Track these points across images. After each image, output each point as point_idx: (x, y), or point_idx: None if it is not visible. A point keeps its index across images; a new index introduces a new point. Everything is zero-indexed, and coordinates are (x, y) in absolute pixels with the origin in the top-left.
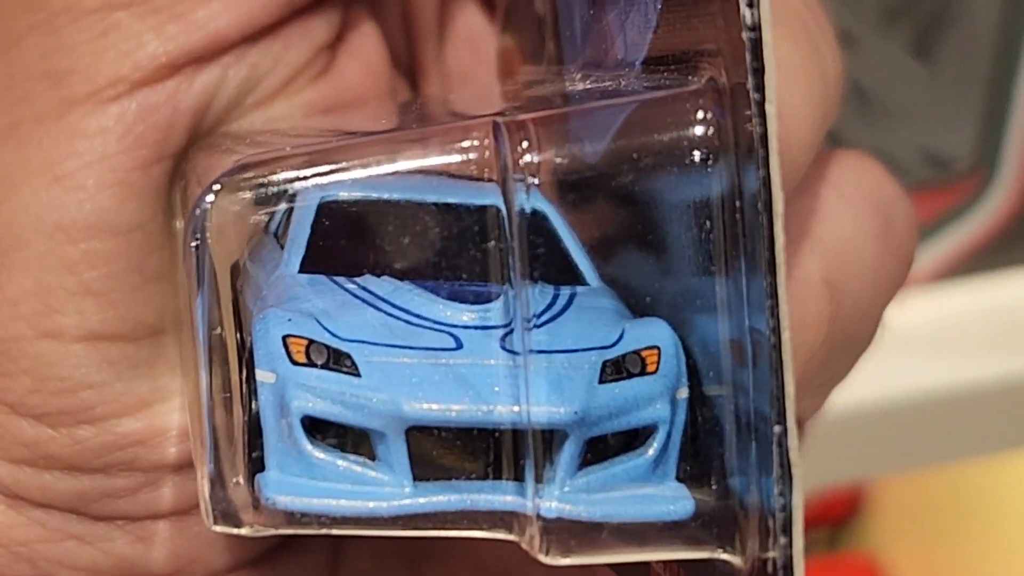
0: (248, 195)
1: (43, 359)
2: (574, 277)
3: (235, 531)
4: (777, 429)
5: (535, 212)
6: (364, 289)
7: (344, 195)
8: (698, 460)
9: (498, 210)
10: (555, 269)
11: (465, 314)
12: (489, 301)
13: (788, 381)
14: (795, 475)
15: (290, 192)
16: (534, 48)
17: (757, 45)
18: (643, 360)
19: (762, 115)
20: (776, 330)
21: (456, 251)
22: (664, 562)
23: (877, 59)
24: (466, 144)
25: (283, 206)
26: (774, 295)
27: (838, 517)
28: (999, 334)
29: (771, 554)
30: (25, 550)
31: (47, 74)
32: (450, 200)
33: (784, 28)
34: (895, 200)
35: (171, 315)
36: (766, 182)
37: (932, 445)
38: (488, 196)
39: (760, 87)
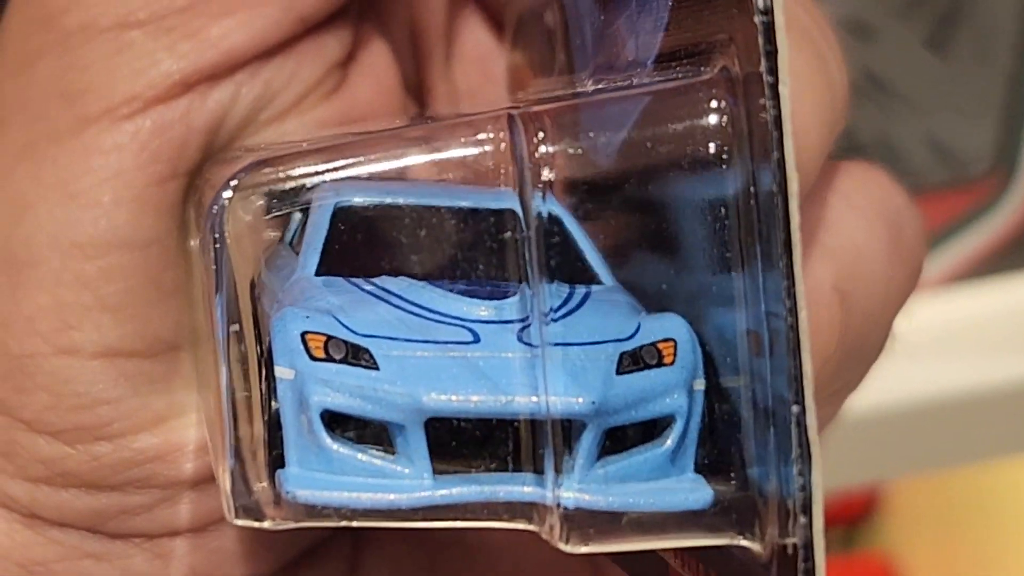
0: (264, 191)
1: (59, 375)
2: (589, 278)
3: (256, 524)
4: (795, 409)
5: (551, 216)
6: (380, 288)
7: (359, 200)
8: (716, 451)
9: (514, 213)
10: (570, 270)
11: (481, 309)
12: (505, 298)
13: (806, 360)
14: (814, 454)
15: (307, 186)
16: (544, 62)
17: (769, 28)
18: (660, 352)
19: (776, 97)
20: (793, 310)
21: (472, 255)
22: (683, 559)
23: (893, 51)
24: (481, 136)
25: (299, 209)
26: (790, 275)
27: (853, 517)
28: (1015, 337)
29: (791, 539)
30: (43, 569)
31: (62, 93)
32: (466, 204)
33: (790, 37)
34: (904, 209)
35: (187, 330)
36: (780, 163)
37: (948, 447)
38: (504, 200)
39: (773, 69)
